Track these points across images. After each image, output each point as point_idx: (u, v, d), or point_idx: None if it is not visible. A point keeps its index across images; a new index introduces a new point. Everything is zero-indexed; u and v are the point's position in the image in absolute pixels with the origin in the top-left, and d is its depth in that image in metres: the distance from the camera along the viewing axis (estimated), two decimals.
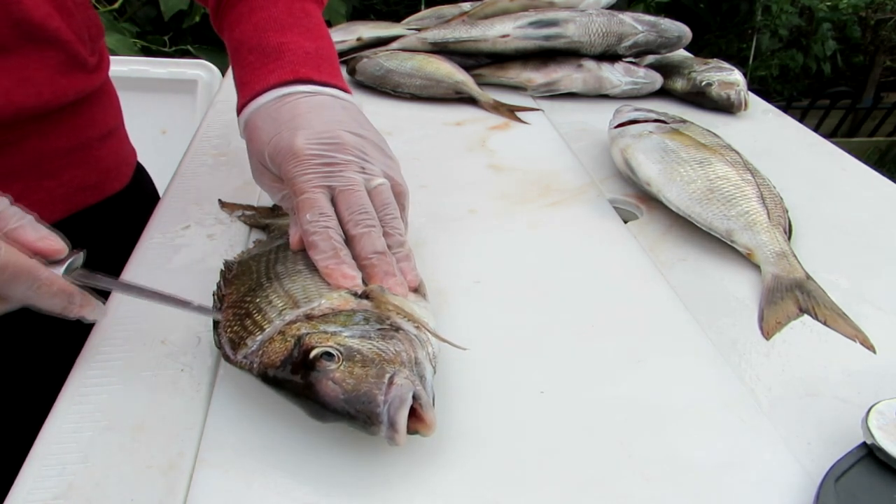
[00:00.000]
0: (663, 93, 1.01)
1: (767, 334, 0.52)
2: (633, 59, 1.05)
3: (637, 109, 0.80)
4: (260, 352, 0.42)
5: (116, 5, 2.11)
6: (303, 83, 0.54)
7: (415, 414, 0.37)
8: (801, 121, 0.95)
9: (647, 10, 2.46)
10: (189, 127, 1.08)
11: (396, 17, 1.28)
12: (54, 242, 0.41)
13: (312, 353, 0.39)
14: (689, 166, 0.67)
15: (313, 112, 0.52)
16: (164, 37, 2.19)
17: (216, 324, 0.46)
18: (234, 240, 0.61)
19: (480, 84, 0.99)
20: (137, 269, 0.57)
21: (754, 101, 0.99)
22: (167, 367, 0.47)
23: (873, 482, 0.38)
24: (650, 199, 0.70)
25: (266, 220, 0.63)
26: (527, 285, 0.57)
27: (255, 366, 0.41)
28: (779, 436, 0.43)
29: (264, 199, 0.68)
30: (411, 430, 0.37)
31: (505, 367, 0.48)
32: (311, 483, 0.39)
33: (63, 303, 0.41)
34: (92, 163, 0.67)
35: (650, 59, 1.08)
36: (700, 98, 0.96)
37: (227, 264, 0.53)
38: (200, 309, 0.46)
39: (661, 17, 1.04)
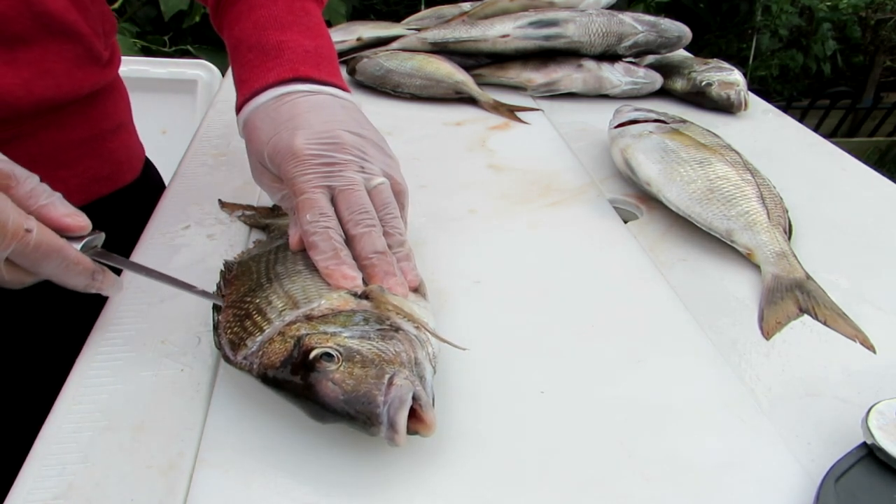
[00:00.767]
0: (663, 93, 1.01)
1: (767, 334, 0.52)
2: (633, 59, 1.05)
3: (637, 109, 0.80)
4: (260, 352, 0.42)
5: (116, 5, 2.11)
6: (302, 82, 0.54)
7: (415, 414, 0.37)
8: (801, 121, 0.95)
9: (647, 10, 2.46)
10: (189, 127, 1.08)
11: (396, 17, 1.28)
12: (81, 219, 0.44)
13: (312, 354, 0.39)
14: (689, 166, 0.67)
15: (312, 111, 0.52)
16: (164, 37, 2.19)
17: (216, 325, 0.46)
18: (234, 240, 0.61)
19: (480, 84, 0.99)
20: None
21: (754, 101, 1.00)
22: (167, 367, 0.47)
23: (873, 482, 0.38)
24: (650, 199, 0.70)
25: (266, 220, 0.63)
26: (527, 285, 0.57)
27: (254, 367, 0.41)
28: (779, 436, 0.43)
29: (264, 199, 0.68)
30: (411, 431, 0.37)
31: (505, 367, 0.48)
32: (311, 483, 0.39)
33: (86, 280, 0.45)
34: (105, 154, 0.68)
35: (650, 59, 1.08)
36: (700, 98, 0.96)
37: (227, 265, 0.53)
38: (203, 294, 0.48)
39: (661, 17, 1.04)
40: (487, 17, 1.05)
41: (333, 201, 0.50)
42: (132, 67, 1.53)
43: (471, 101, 0.96)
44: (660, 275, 0.59)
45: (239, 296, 0.48)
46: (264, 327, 0.43)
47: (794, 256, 0.59)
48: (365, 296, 0.46)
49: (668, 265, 0.60)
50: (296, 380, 0.39)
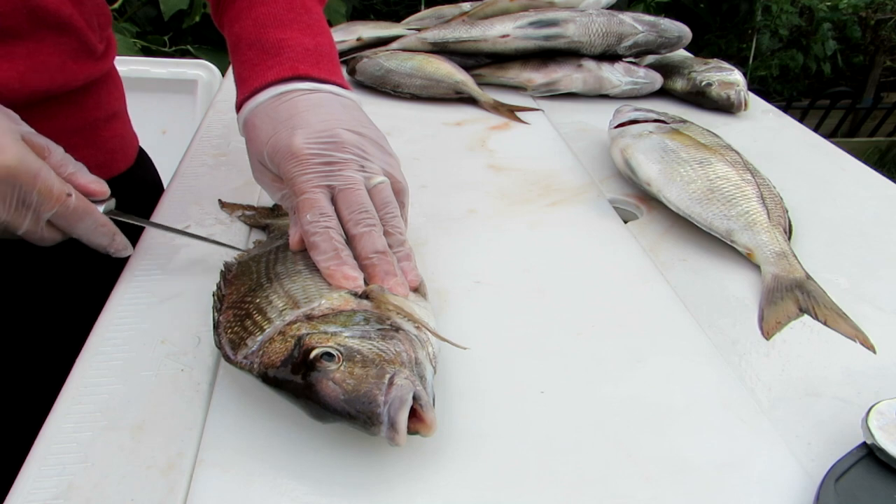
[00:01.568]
0: (663, 93, 1.01)
1: (767, 334, 0.52)
2: (633, 59, 1.05)
3: (637, 109, 0.80)
4: (260, 352, 0.42)
5: (116, 5, 2.11)
6: (301, 80, 0.54)
7: (415, 414, 0.37)
8: (801, 121, 0.95)
9: (647, 10, 2.46)
10: (189, 127, 1.08)
11: (396, 17, 1.28)
12: (103, 186, 0.51)
13: (313, 354, 0.39)
14: (689, 166, 0.67)
15: (311, 110, 0.52)
16: (164, 37, 2.19)
17: (216, 324, 0.46)
18: (234, 240, 0.61)
19: (480, 84, 0.99)
20: (137, 268, 0.57)
21: (754, 101, 1.00)
22: (167, 367, 0.47)
23: (873, 482, 0.38)
24: (650, 199, 0.70)
25: (266, 220, 0.63)
26: (527, 285, 0.57)
27: (255, 366, 0.41)
28: (779, 436, 0.43)
29: (264, 199, 0.68)
30: (411, 431, 0.37)
31: (505, 367, 0.48)
32: (311, 483, 0.39)
33: (108, 240, 0.51)
34: (99, 143, 0.68)
35: (650, 59, 1.08)
36: (700, 98, 0.96)
37: (227, 265, 0.53)
38: (225, 245, 0.57)
39: (661, 17, 1.04)
40: (487, 17, 1.05)
41: (333, 200, 0.50)
42: (132, 67, 1.53)
43: (471, 101, 0.96)
44: (660, 275, 0.59)
45: (239, 295, 0.48)
46: (265, 327, 0.43)
47: (794, 256, 0.59)
48: (365, 296, 0.46)
49: (668, 265, 0.60)
50: (296, 379, 0.39)
